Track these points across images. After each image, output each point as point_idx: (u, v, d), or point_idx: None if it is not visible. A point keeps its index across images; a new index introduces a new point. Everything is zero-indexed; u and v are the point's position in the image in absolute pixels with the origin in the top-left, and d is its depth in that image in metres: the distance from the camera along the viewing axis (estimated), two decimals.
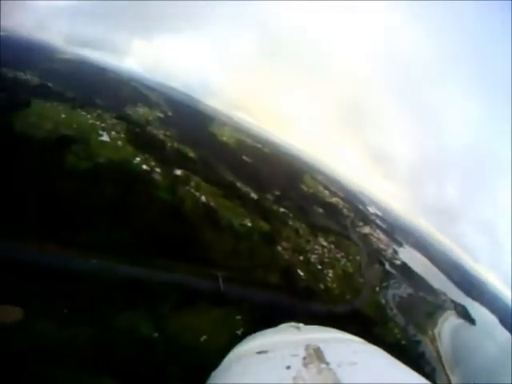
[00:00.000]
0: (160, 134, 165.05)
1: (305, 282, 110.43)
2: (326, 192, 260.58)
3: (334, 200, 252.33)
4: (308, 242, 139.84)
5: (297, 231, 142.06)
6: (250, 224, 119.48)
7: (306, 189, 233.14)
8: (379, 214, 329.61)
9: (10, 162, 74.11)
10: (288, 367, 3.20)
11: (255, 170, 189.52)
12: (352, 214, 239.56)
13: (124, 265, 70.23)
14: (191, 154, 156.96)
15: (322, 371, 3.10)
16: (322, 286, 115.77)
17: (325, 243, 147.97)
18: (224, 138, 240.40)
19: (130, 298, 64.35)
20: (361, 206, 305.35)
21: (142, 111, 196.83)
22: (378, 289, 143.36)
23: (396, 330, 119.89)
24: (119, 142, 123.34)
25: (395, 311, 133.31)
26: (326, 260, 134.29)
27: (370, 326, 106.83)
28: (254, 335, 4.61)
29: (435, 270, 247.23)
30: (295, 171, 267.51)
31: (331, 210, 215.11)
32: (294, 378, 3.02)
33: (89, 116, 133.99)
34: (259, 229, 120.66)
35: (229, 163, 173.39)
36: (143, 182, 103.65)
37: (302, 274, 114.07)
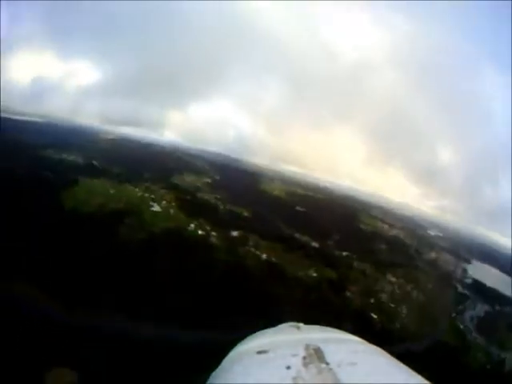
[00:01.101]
0: (211, 198, 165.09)
1: (379, 324, 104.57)
2: (385, 226, 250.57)
3: (395, 232, 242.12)
4: (376, 281, 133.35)
5: (363, 272, 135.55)
6: (315, 274, 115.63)
7: (364, 227, 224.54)
8: (440, 235, 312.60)
9: (65, 239, 76.39)
10: (288, 367, 3.19)
11: (311, 218, 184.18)
12: (415, 242, 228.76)
13: (189, 330, 68.53)
14: (245, 214, 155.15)
15: (322, 371, 3.09)
16: (397, 325, 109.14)
17: (393, 279, 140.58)
18: (275, 193, 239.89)
19: (197, 362, 59.33)
20: (421, 232, 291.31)
21: (189, 179, 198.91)
22: (454, 314, 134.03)
23: (479, 354, 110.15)
24: (171, 211, 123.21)
25: (475, 334, 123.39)
26: (397, 297, 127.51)
27: (455, 355, 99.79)
28: (254, 335, 4.47)
29: (506, 277, 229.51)
30: (350, 211, 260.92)
31: (393, 243, 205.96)
32: (294, 378, 3.02)
33: (137, 189, 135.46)
34: (326, 277, 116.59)
35: (284, 216, 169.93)
36: (201, 246, 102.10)
37: (375, 316, 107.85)
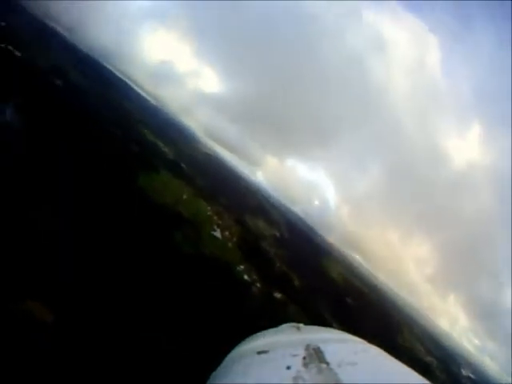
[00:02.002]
0: (272, 251, 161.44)
1: None
2: (422, 348, 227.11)
3: (428, 359, 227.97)
4: None
5: None
6: None
7: (402, 342, 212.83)
8: (473, 377, 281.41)
9: (125, 213, 77.63)
10: (288, 367, 3.20)
11: (356, 317, 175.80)
12: (444, 376, 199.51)
13: None
14: (296, 282, 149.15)
15: (322, 371, 3.09)
16: None
17: None
18: (333, 274, 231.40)
19: None
20: (454, 368, 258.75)
21: (260, 224, 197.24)
22: None
23: None
24: (229, 244, 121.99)
25: None
26: None
27: None
28: (254, 335, 4.53)
29: None
30: (395, 322, 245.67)
31: (424, 369, 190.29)
32: (294, 378, 3.03)
33: (209, 208, 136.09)
34: None
35: (331, 301, 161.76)
36: (239, 290, 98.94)
37: None
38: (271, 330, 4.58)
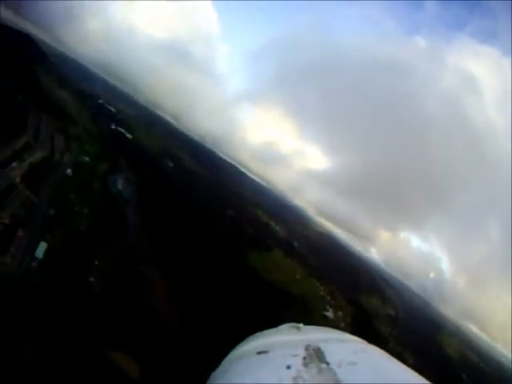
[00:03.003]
0: (386, 331, 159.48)
1: None
2: None
3: None
4: None
5: None
6: None
7: None
8: None
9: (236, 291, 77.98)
10: (288, 367, 3.18)
11: None
12: None
13: None
14: (410, 361, 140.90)
15: (323, 371, 3.08)
16: None
17: None
18: (449, 351, 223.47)
19: None
20: None
21: (374, 302, 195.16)
22: None
23: None
24: (342, 325, 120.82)
25: None
26: None
27: None
28: (254, 335, 4.51)
29: None
30: None
31: None
32: (294, 378, 3.02)
33: (322, 288, 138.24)
34: None
35: (447, 380, 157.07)
36: None
37: None
38: (271, 330, 4.64)
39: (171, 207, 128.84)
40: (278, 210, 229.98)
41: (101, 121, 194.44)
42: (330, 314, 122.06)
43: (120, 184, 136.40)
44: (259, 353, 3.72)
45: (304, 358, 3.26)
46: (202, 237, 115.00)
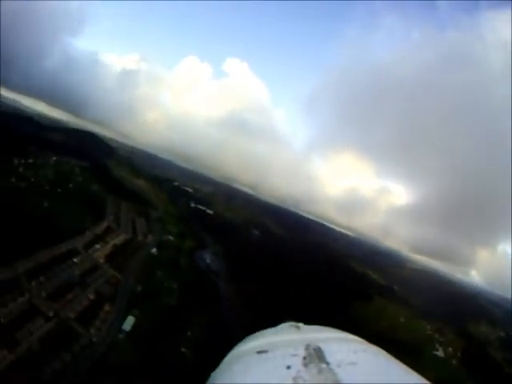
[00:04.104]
0: (499, 356, 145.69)
1: None
2: None
3: None
4: None
5: None
6: None
7: None
8: None
9: None
10: (288, 367, 3.00)
11: None
12: None
13: None
14: None
15: (323, 371, 2.91)
16: None
17: None
18: None
19: None
20: None
21: (483, 328, 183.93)
22: None
23: None
24: (453, 361, 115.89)
25: None
26: None
27: None
28: (254, 335, 4.06)
29: None
30: None
31: None
32: (294, 378, 2.84)
33: (428, 327, 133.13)
34: None
35: None
36: None
37: None
38: (271, 330, 4.17)
39: (262, 273, 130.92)
40: (372, 257, 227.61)
41: (180, 201, 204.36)
42: (439, 352, 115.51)
43: (208, 258, 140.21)
44: (259, 352, 3.42)
45: (304, 358, 3.07)
46: (301, 298, 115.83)
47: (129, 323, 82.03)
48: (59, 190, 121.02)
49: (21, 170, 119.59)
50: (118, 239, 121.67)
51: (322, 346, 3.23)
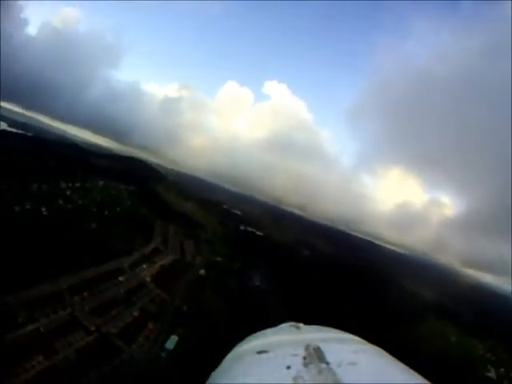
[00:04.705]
0: None
1: None
2: None
3: None
4: None
5: None
6: None
7: None
8: None
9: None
10: (288, 367, 3.20)
11: None
12: None
13: None
14: None
15: (323, 371, 3.10)
16: None
17: None
18: None
19: None
20: None
21: None
22: None
23: None
24: (505, 382, 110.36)
25: None
26: None
27: None
28: (254, 335, 4.52)
29: None
30: None
31: None
32: (295, 378, 3.03)
33: (480, 345, 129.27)
34: None
35: None
36: None
37: None
38: (271, 330, 4.58)
39: (312, 294, 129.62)
40: (423, 273, 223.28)
41: (229, 224, 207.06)
42: (491, 373, 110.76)
43: (257, 279, 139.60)
44: (259, 352, 3.67)
45: (304, 358, 3.25)
46: (350, 319, 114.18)
47: (172, 342, 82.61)
48: (107, 212, 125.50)
49: (68, 193, 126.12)
50: (166, 260, 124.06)
51: (322, 346, 3.39)
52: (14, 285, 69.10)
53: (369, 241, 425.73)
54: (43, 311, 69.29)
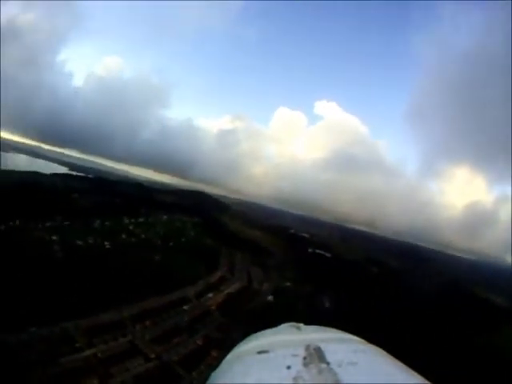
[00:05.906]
0: None
1: None
2: None
3: None
4: None
5: None
6: None
7: None
8: None
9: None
10: (288, 367, 3.03)
11: None
12: None
13: None
14: None
15: (323, 371, 2.96)
16: None
17: None
18: None
19: None
20: None
21: None
22: None
23: None
24: None
25: None
26: None
27: None
28: (254, 335, 4.09)
29: None
30: None
31: None
32: (295, 378, 2.89)
33: None
34: None
35: None
36: None
37: None
38: (271, 330, 4.06)
39: (382, 311, 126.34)
40: (495, 279, 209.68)
41: (297, 248, 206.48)
42: None
43: (327, 301, 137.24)
44: (260, 352, 3.44)
45: (304, 358, 3.08)
46: (421, 335, 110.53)
47: None
48: (171, 243, 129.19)
49: (131, 227, 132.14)
50: (232, 287, 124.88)
51: (322, 346, 3.25)
52: (74, 313, 72.64)
53: (438, 251, 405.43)
54: (102, 338, 72.12)
